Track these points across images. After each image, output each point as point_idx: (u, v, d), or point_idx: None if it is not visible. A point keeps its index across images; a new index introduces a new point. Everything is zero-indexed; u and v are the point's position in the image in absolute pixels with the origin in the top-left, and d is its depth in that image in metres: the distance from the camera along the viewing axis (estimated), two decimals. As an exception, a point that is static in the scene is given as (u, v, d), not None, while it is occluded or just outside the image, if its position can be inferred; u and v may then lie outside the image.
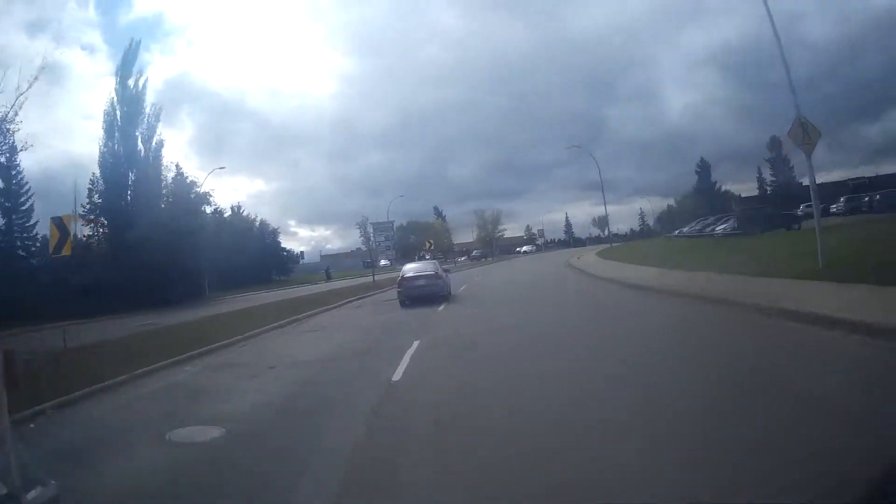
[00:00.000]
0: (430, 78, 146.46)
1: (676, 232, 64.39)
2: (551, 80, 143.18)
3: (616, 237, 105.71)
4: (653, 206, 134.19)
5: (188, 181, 55.03)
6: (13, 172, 49.13)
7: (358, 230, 43.42)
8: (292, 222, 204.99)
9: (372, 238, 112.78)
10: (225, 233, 64.00)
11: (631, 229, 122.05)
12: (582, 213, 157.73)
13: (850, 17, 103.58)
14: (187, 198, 51.90)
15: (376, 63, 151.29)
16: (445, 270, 28.40)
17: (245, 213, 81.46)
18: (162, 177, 53.55)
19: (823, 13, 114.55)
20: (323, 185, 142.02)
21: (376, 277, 46.66)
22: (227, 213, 76.69)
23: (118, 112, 51.65)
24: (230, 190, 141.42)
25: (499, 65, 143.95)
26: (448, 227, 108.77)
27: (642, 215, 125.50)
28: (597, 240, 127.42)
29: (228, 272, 58.51)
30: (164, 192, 52.50)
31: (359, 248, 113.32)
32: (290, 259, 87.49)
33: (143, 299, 39.35)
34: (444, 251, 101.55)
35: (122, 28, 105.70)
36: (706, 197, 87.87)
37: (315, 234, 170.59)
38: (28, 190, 50.86)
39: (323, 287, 48.20)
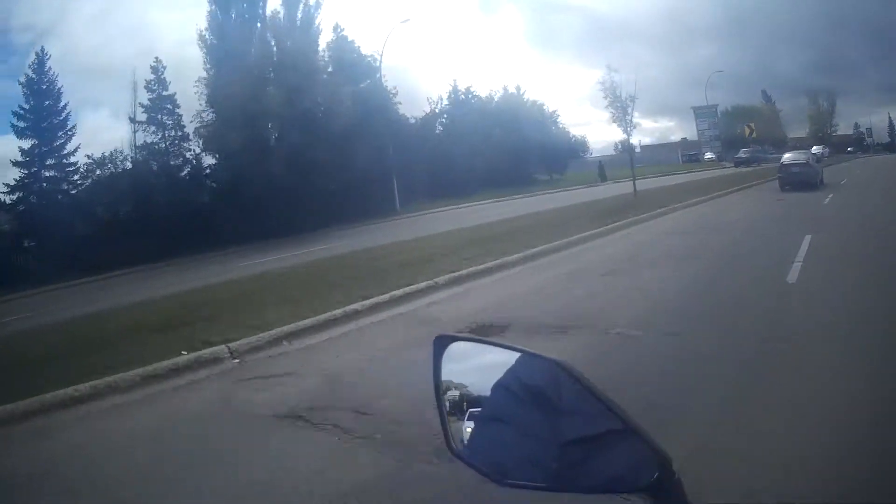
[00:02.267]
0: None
1: None
2: None
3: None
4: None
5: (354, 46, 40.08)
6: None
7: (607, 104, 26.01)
8: (637, 114, 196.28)
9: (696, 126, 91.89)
10: (468, 121, 49.98)
11: None
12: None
13: None
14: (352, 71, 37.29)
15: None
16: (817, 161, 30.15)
17: (524, 96, 63.77)
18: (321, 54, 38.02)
19: None
20: (660, 76, 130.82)
21: (655, 186, 30.80)
22: (497, 97, 61.30)
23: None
24: (565, 82, 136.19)
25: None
26: (779, 115, 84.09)
27: None
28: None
29: (464, 173, 43.92)
30: (324, 70, 37.14)
31: (684, 139, 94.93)
32: (572, 150, 68.42)
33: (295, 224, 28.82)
34: (775, 144, 79.39)
35: None
36: None
37: (658, 125, 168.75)
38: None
39: (566, 198, 32.22)
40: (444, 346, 1.31)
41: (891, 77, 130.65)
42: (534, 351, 1.18)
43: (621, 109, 27.43)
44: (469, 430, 1.23)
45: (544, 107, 65.50)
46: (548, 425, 1.11)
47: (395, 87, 41.57)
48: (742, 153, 60.36)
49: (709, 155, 79.39)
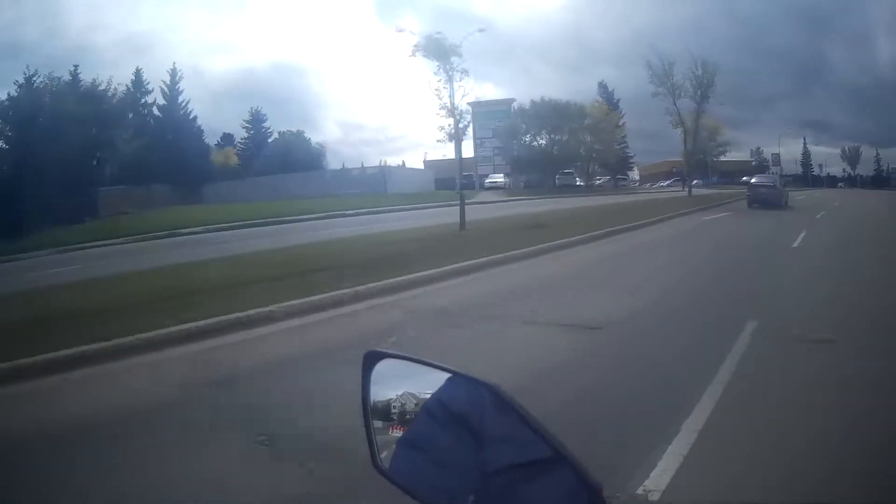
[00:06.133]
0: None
1: None
2: (777, 12, 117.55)
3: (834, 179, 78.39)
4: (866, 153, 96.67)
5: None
6: None
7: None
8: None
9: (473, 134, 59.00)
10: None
11: (847, 174, 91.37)
12: (791, 151, 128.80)
13: None
14: None
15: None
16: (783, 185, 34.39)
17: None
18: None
19: None
20: (555, 95, 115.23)
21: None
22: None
23: None
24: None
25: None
26: (619, 121, 54.99)
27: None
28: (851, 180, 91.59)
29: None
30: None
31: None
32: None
33: None
34: (609, 165, 50.86)
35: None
36: None
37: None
38: None
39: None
40: (374, 362, 1.27)
41: (793, 112, 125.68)
42: (466, 373, 1.12)
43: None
44: (394, 448, 1.22)
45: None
46: (473, 452, 1.05)
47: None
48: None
49: (492, 179, 50.24)
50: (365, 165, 60.57)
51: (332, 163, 69.63)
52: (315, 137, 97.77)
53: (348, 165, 64.99)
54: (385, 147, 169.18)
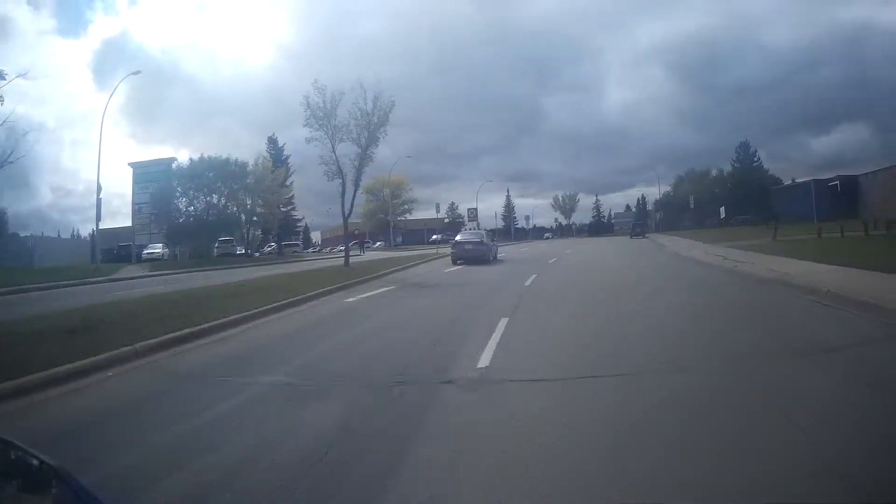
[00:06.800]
0: (369, 53, 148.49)
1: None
2: (493, 64, 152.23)
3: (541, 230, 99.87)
4: (584, 201, 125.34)
5: None
6: None
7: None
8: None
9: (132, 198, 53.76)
10: None
11: (558, 223, 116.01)
12: (493, 205, 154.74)
13: (814, 24, 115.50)
14: None
15: (315, 34, 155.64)
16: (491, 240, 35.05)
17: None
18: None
19: (786, 18, 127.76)
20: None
21: None
22: None
23: None
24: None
25: (441, 45, 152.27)
26: (283, 177, 49.87)
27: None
28: (538, 231, 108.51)
29: None
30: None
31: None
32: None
33: None
34: (272, 230, 46.24)
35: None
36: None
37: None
38: None
39: None
40: None
41: (500, 166, 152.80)
42: None
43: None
44: None
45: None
46: None
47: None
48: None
49: (154, 249, 43.09)
50: (26, 235, 54.51)
51: (38, 230, 66.75)
52: (30, 202, 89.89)
53: (49, 233, 62.28)
54: (90, 214, 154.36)
